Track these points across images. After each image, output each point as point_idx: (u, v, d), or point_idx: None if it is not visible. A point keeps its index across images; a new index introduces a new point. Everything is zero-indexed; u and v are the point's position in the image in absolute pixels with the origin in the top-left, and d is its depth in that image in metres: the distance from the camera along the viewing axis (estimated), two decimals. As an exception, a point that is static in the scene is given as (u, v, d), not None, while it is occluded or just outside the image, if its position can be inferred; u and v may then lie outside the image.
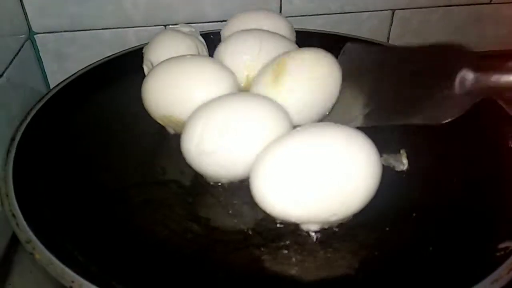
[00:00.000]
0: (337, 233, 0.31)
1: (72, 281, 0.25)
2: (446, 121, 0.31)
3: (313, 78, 0.36)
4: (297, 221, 0.30)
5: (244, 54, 0.40)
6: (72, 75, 0.44)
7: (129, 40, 0.54)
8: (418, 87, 0.33)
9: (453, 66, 0.31)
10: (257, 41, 0.40)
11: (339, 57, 0.38)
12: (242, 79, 0.40)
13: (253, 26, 0.43)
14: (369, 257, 0.30)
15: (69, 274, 0.25)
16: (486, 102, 0.40)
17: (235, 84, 0.38)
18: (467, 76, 0.31)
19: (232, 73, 0.38)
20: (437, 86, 0.32)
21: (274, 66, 0.37)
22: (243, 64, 0.40)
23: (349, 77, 0.36)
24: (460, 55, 0.33)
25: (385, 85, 0.35)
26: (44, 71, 0.54)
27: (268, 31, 0.42)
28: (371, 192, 0.29)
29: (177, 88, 0.36)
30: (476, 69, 0.31)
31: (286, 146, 0.30)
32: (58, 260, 0.26)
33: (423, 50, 0.36)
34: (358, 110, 0.35)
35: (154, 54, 0.42)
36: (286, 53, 0.38)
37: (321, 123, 0.36)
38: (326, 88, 0.37)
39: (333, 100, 0.37)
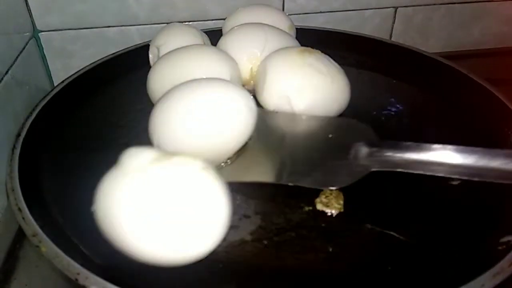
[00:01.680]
0: (341, 227, 0.31)
1: (78, 273, 0.25)
2: (336, 187, 0.32)
3: (333, 73, 0.38)
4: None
5: (250, 47, 0.40)
6: (76, 72, 0.45)
7: (132, 37, 0.54)
8: (315, 152, 0.35)
9: (350, 138, 0.34)
10: (262, 34, 0.40)
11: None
12: (246, 71, 0.40)
13: (255, 21, 0.43)
14: (372, 250, 0.30)
15: (75, 266, 0.25)
16: (487, 97, 0.41)
17: (239, 74, 0.38)
18: (361, 149, 0.33)
19: (235, 63, 0.39)
20: (332, 154, 0.34)
21: (302, 47, 0.39)
22: (248, 57, 0.40)
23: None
24: (358, 130, 0.36)
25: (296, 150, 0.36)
26: (49, 68, 0.55)
27: (271, 25, 0.42)
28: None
29: (183, 77, 0.36)
30: (371, 144, 0.33)
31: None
32: (64, 253, 0.26)
33: (328, 120, 0.38)
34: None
35: (161, 39, 0.42)
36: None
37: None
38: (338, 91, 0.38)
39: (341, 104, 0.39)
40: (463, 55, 0.64)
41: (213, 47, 0.42)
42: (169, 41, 0.41)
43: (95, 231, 0.30)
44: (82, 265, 0.26)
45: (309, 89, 0.37)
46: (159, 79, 0.38)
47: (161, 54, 0.41)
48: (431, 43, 0.64)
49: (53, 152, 0.36)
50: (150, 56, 0.44)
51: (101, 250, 0.28)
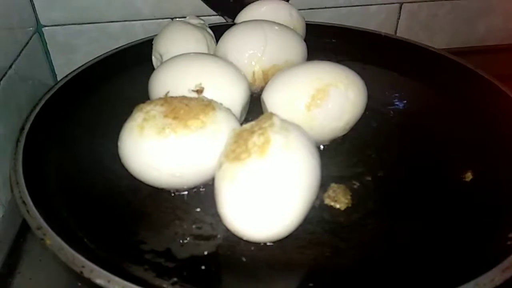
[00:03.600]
0: (346, 223, 0.31)
1: (83, 266, 0.25)
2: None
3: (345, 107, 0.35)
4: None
5: (250, 49, 0.39)
6: (80, 67, 0.44)
7: (136, 32, 0.54)
8: None
9: None
10: (262, 34, 0.40)
11: None
12: (248, 74, 0.39)
13: (263, 18, 0.43)
14: (380, 245, 0.30)
15: (80, 259, 0.25)
16: (492, 90, 0.40)
17: (247, 85, 0.37)
18: None
19: (243, 75, 0.38)
20: None
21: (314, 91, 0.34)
22: (249, 60, 0.40)
23: None
24: None
25: None
26: (52, 63, 0.55)
27: (272, 22, 0.41)
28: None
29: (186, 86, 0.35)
30: None
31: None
32: (69, 246, 0.26)
33: None
34: None
35: (163, 46, 0.42)
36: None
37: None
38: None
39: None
40: (468, 52, 0.63)
41: (222, 59, 0.39)
42: (172, 50, 0.40)
43: (99, 224, 0.30)
44: (87, 258, 0.25)
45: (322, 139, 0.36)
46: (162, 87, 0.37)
47: (164, 60, 0.41)
48: (436, 40, 0.63)
49: (57, 146, 0.36)
50: (153, 59, 0.44)
51: (106, 243, 0.28)
